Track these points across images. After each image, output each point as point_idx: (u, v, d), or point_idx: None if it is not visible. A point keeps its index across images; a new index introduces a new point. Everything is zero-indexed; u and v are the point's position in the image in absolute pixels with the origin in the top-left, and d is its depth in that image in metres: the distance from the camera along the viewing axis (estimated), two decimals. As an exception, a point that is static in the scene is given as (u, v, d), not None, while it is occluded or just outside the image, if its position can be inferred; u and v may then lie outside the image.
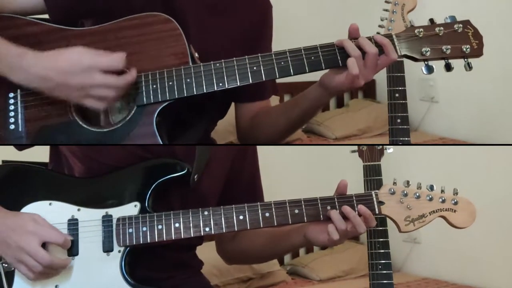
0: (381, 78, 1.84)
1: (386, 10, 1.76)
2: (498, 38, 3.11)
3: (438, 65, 1.41)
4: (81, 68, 1.32)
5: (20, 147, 1.46)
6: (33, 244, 1.31)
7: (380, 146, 1.88)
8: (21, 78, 1.34)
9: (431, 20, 1.42)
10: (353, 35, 1.39)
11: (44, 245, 1.33)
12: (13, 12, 1.44)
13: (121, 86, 1.35)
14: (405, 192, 1.41)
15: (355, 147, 1.91)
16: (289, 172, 3.64)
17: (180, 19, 1.43)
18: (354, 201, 1.39)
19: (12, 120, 1.40)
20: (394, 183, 1.42)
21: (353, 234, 1.38)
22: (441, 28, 1.41)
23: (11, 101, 1.41)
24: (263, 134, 1.61)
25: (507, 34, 3.25)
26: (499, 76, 3.38)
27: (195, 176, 1.43)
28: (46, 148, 1.54)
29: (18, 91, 1.41)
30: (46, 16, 1.48)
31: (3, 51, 1.35)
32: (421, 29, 1.41)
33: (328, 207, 1.38)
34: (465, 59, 1.41)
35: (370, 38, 1.38)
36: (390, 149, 1.89)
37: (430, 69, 1.42)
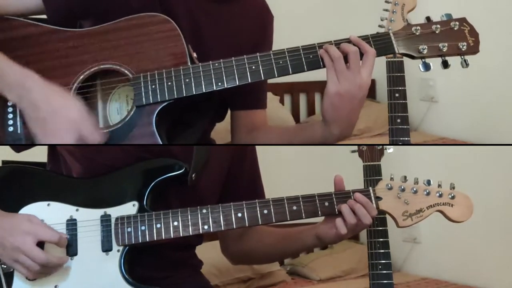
0: (381, 78, 1.84)
1: (386, 10, 1.76)
2: (498, 38, 3.11)
3: (436, 63, 1.42)
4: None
5: (18, 148, 1.46)
6: (28, 243, 1.31)
7: (380, 146, 1.88)
8: None
9: (428, 18, 1.44)
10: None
11: (42, 246, 1.33)
12: (11, 14, 1.44)
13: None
14: (403, 187, 1.41)
15: (355, 147, 1.91)
16: (289, 172, 3.64)
17: (178, 21, 1.43)
18: (352, 196, 1.39)
19: (10, 122, 1.40)
20: (392, 179, 1.43)
21: (360, 228, 1.39)
22: (438, 26, 1.42)
23: (9, 103, 1.40)
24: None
25: (507, 34, 3.26)
26: (499, 76, 3.38)
27: (193, 175, 1.43)
28: (45, 149, 1.53)
29: None
30: (43, 17, 1.48)
31: None
32: (418, 27, 1.42)
33: (326, 203, 1.39)
34: (462, 56, 1.42)
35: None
36: (390, 149, 1.89)
37: (427, 67, 1.43)
